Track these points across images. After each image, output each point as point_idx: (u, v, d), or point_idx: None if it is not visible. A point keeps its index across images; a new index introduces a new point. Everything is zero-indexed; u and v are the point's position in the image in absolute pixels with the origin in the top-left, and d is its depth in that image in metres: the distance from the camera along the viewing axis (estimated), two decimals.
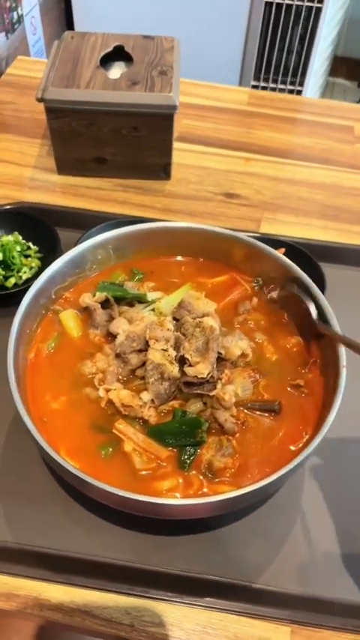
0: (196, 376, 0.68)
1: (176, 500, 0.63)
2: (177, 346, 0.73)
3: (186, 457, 0.68)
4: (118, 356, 0.74)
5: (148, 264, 0.87)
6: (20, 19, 1.66)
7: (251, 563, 0.69)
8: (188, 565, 0.69)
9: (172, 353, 0.71)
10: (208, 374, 0.69)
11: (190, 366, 0.69)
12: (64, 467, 0.60)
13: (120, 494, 0.58)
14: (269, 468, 0.66)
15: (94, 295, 0.80)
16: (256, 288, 0.85)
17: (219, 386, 0.70)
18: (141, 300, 0.81)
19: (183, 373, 0.70)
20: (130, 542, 0.70)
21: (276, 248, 0.85)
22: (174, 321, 0.76)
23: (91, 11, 1.99)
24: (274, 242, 0.93)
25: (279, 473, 0.60)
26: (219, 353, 0.73)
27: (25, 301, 0.74)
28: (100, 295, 0.79)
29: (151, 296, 0.81)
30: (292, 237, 1.04)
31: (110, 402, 0.71)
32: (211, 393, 0.69)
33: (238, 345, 0.75)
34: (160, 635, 0.65)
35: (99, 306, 0.79)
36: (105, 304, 0.80)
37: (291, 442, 0.70)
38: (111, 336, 0.77)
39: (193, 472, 0.68)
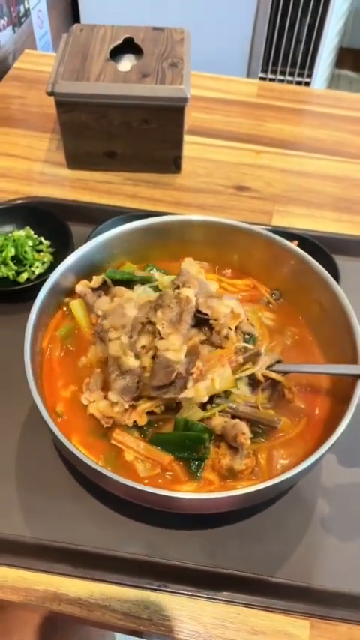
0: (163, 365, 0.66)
1: (190, 494, 0.63)
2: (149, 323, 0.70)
3: (194, 468, 0.67)
4: (100, 339, 0.73)
5: (161, 266, 0.87)
6: (27, 12, 1.64)
7: (270, 557, 0.69)
8: (206, 559, 0.68)
9: (126, 341, 0.68)
10: (176, 363, 0.65)
11: (162, 339, 0.67)
12: (80, 459, 0.60)
13: (135, 486, 0.58)
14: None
15: None
16: (274, 297, 0.85)
17: (190, 384, 0.66)
18: (148, 281, 0.80)
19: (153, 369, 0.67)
20: (148, 537, 0.70)
21: (290, 241, 0.84)
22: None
23: (97, 4, 1.97)
24: (287, 235, 0.92)
25: (295, 470, 0.60)
26: (204, 314, 0.70)
27: (41, 296, 0.73)
28: (97, 279, 0.79)
29: (156, 274, 0.81)
30: (304, 229, 1.03)
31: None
32: (181, 396, 0.66)
33: (225, 303, 0.71)
34: (178, 628, 0.65)
35: (89, 290, 0.78)
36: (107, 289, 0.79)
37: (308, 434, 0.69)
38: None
39: (213, 475, 0.67)
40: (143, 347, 0.69)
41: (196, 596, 0.66)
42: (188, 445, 0.67)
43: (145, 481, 0.66)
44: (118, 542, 0.69)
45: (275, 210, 1.10)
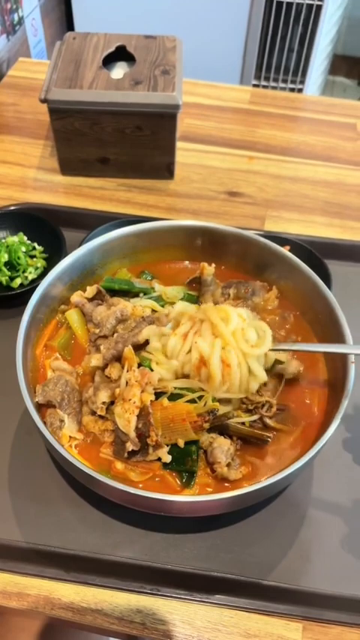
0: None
1: (184, 497, 0.63)
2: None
3: (185, 480, 0.67)
4: (95, 348, 0.74)
5: (157, 268, 0.87)
6: (21, 20, 1.66)
7: (262, 561, 0.69)
8: (198, 563, 0.69)
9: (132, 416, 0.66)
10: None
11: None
12: (75, 464, 0.60)
13: (129, 490, 0.59)
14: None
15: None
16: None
17: (151, 450, 0.66)
18: (147, 292, 0.81)
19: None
20: (141, 541, 0.70)
21: (281, 246, 0.85)
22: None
23: (91, 13, 1.98)
24: (279, 240, 0.93)
25: (286, 471, 0.60)
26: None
27: (33, 301, 0.74)
28: (91, 289, 0.79)
29: (157, 286, 0.81)
30: (296, 234, 1.04)
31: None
32: (147, 459, 0.66)
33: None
34: (171, 632, 0.65)
35: (86, 301, 0.79)
36: (102, 298, 0.80)
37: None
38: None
39: (210, 479, 0.68)
40: (104, 403, 0.69)
41: (189, 599, 0.66)
42: (175, 457, 0.67)
43: (140, 485, 0.66)
44: (110, 547, 0.69)
45: (267, 216, 1.11)
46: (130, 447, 0.64)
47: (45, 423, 0.67)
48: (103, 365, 0.71)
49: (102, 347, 0.72)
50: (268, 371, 0.72)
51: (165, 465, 0.67)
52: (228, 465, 0.67)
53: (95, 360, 0.71)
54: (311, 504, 0.74)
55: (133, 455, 0.66)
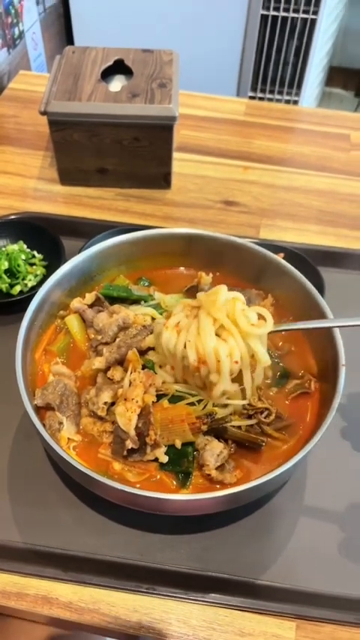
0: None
1: (180, 496, 0.65)
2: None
3: (182, 480, 0.69)
4: (95, 352, 0.76)
5: (153, 275, 0.89)
6: (21, 34, 1.69)
7: (255, 561, 0.71)
8: (194, 563, 0.70)
9: (134, 413, 0.68)
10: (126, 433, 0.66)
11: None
12: (70, 463, 0.62)
13: (125, 489, 0.60)
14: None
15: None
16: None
17: (149, 449, 0.68)
18: (145, 300, 0.83)
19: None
20: (137, 541, 0.71)
21: (275, 253, 0.87)
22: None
23: (90, 27, 2.03)
24: (274, 247, 0.95)
25: (281, 469, 0.62)
26: None
27: (32, 307, 0.76)
28: (90, 296, 0.81)
29: (157, 294, 0.84)
30: (290, 242, 1.06)
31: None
32: (145, 459, 0.68)
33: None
34: (167, 631, 0.66)
35: (86, 307, 0.81)
36: (100, 304, 0.82)
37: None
38: None
39: (204, 480, 0.69)
40: (105, 403, 0.70)
41: (184, 599, 0.68)
42: (172, 458, 0.69)
43: (137, 485, 0.68)
44: (107, 547, 0.71)
45: (262, 224, 1.13)
46: (129, 444, 0.66)
47: (44, 425, 0.68)
48: (105, 367, 0.73)
49: (105, 350, 0.74)
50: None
51: (162, 466, 0.69)
52: (222, 467, 0.68)
53: (98, 363, 0.73)
54: (304, 506, 0.75)
55: (132, 454, 0.68)
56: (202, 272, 0.86)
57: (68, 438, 0.71)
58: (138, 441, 0.67)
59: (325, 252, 1.06)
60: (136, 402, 0.67)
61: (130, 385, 0.69)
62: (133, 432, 0.66)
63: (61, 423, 0.71)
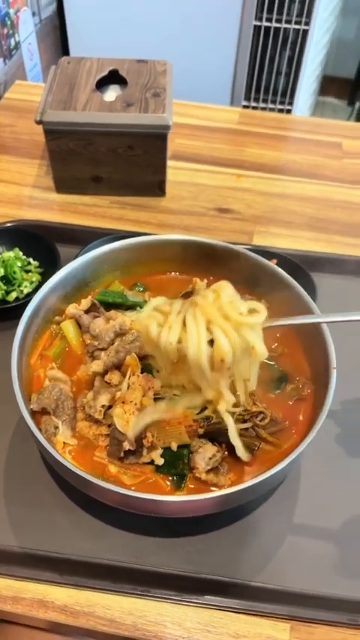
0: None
1: (176, 497, 0.65)
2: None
3: (176, 482, 0.69)
4: (91, 357, 0.77)
5: (148, 280, 0.90)
6: (17, 45, 1.72)
7: (250, 563, 0.71)
8: (188, 565, 0.71)
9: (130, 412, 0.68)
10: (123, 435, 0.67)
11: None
12: (66, 466, 0.63)
13: (121, 492, 0.61)
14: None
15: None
16: None
17: (145, 452, 0.68)
18: (140, 306, 0.84)
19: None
20: (132, 544, 0.72)
21: (268, 259, 0.88)
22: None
23: (85, 38, 2.05)
24: (266, 253, 0.96)
25: (274, 470, 0.63)
26: None
27: (27, 313, 0.77)
28: (85, 302, 0.82)
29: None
30: (283, 248, 1.07)
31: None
32: (140, 461, 0.69)
33: None
34: (162, 634, 0.66)
35: (82, 312, 0.82)
36: (96, 310, 0.83)
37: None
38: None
39: (198, 483, 0.69)
40: (103, 406, 0.71)
41: (179, 601, 0.68)
42: (168, 461, 0.69)
43: (132, 488, 0.68)
44: (102, 550, 0.71)
45: (256, 231, 1.15)
46: (126, 446, 0.67)
47: (40, 429, 0.69)
48: (103, 371, 0.74)
49: (102, 354, 0.75)
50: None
51: (157, 468, 0.69)
52: (216, 470, 0.69)
53: (96, 366, 0.73)
54: (297, 508, 0.76)
55: (128, 456, 0.69)
56: (196, 278, 0.87)
57: (64, 442, 0.72)
58: (135, 443, 0.67)
59: (317, 257, 1.07)
60: (135, 404, 0.67)
61: (128, 388, 0.70)
62: (130, 434, 0.67)
63: (56, 427, 0.71)
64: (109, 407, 0.71)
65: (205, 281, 0.86)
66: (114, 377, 0.73)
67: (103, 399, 0.70)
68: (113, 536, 0.72)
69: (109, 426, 0.70)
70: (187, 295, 0.86)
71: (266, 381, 0.78)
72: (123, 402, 0.68)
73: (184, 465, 0.69)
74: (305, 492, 0.77)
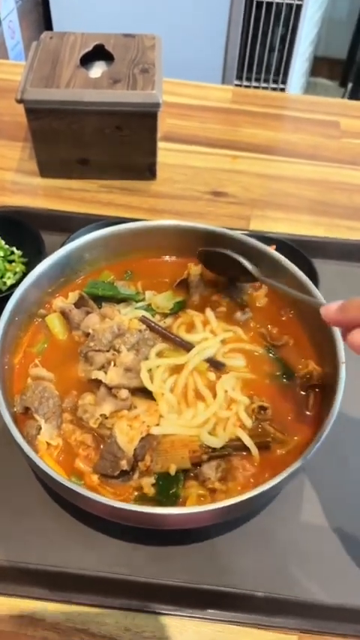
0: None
1: (173, 510, 0.60)
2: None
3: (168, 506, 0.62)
4: (85, 359, 0.71)
5: (138, 265, 0.84)
6: None
7: (254, 571, 0.66)
8: (187, 575, 0.66)
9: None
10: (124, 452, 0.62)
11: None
12: (55, 479, 0.57)
13: (116, 505, 0.56)
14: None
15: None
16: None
17: (135, 475, 0.63)
18: (133, 299, 0.78)
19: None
20: (127, 554, 0.67)
21: (267, 245, 0.82)
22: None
23: (70, 14, 1.96)
24: (265, 239, 0.91)
25: (277, 479, 0.58)
26: None
27: (9, 307, 0.71)
28: (73, 295, 0.77)
29: (147, 294, 0.79)
30: (282, 233, 1.02)
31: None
32: (126, 483, 0.63)
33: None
34: None
35: (72, 306, 0.76)
36: (85, 304, 0.77)
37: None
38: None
39: (204, 490, 0.64)
40: (102, 415, 0.66)
41: (178, 615, 0.63)
42: (159, 485, 0.63)
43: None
44: (95, 561, 0.66)
45: (253, 215, 1.09)
46: (124, 465, 0.61)
47: (22, 433, 0.64)
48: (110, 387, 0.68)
49: (111, 367, 0.68)
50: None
51: (141, 496, 0.63)
52: (224, 478, 0.64)
53: (102, 377, 0.67)
54: (306, 511, 0.71)
55: (119, 476, 0.63)
56: (190, 264, 0.81)
57: (48, 443, 0.66)
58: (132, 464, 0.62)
59: (317, 242, 1.01)
60: (146, 424, 0.62)
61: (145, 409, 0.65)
62: (131, 453, 0.61)
63: (39, 428, 0.65)
64: (106, 417, 0.66)
65: (200, 265, 0.81)
66: (122, 392, 0.67)
67: (106, 409, 0.65)
68: (106, 545, 0.67)
69: (102, 436, 0.65)
70: (182, 285, 0.81)
71: (270, 374, 0.73)
72: (132, 418, 0.63)
73: (178, 489, 0.63)
74: (311, 496, 0.72)
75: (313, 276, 0.88)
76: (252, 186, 1.15)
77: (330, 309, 0.55)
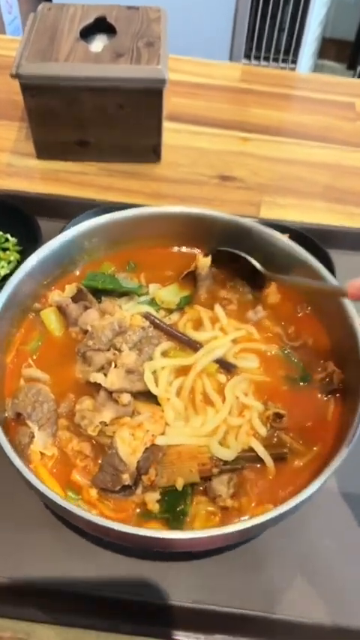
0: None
1: (176, 534, 0.53)
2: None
3: (172, 523, 0.57)
4: (83, 359, 0.65)
5: (141, 255, 0.78)
6: None
7: (268, 590, 0.61)
8: (194, 594, 0.61)
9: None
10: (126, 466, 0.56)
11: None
12: (48, 496, 0.52)
13: (117, 528, 0.50)
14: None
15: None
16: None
17: (139, 490, 0.58)
18: (136, 293, 0.72)
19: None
20: (127, 571, 0.62)
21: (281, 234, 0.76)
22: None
23: None
24: (277, 227, 0.84)
25: (301, 496, 0.52)
26: None
27: (1, 300, 0.65)
28: (70, 288, 0.71)
29: (151, 288, 0.74)
30: (296, 222, 0.95)
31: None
32: (128, 499, 0.58)
33: None
34: None
35: (69, 301, 0.70)
36: (83, 298, 0.71)
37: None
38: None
39: (215, 507, 0.58)
40: (102, 422, 0.60)
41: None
42: (166, 501, 0.57)
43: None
44: (93, 580, 0.61)
45: (263, 201, 1.03)
46: (126, 479, 0.56)
47: (14, 440, 0.58)
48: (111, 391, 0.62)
49: (111, 369, 0.62)
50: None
51: (145, 513, 0.57)
52: (237, 494, 0.58)
53: (102, 380, 0.61)
54: (322, 524, 0.66)
55: (120, 490, 0.57)
56: (199, 254, 0.75)
57: (42, 453, 0.60)
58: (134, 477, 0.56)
59: (333, 231, 0.95)
60: (151, 433, 0.57)
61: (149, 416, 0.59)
62: (134, 466, 0.56)
63: (32, 436, 0.60)
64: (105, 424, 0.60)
65: (210, 257, 0.74)
66: (124, 396, 0.61)
67: (106, 416, 0.59)
68: (106, 561, 0.62)
69: (94, 444, 0.59)
70: (189, 277, 0.75)
71: (285, 376, 0.67)
72: (135, 427, 0.57)
73: (186, 505, 0.57)
74: (325, 511, 0.66)
75: (329, 268, 0.82)
76: (261, 170, 1.09)
77: (355, 284, 0.55)
